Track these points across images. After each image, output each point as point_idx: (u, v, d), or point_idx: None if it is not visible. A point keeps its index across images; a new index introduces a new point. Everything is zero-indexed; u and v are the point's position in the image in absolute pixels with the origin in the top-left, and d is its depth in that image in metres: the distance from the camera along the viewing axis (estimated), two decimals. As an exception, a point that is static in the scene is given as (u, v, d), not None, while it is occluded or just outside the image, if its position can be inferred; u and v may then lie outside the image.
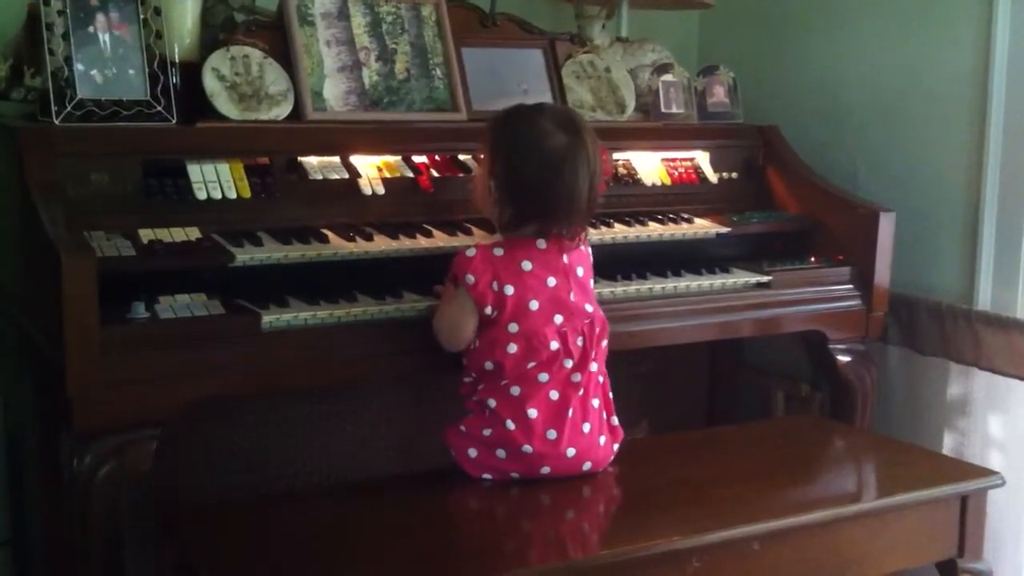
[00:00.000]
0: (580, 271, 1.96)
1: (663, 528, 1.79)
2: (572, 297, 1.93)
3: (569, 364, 1.92)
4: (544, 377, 1.91)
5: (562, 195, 1.89)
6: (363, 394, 2.34)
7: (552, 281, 1.92)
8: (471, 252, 1.91)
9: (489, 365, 1.91)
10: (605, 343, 1.99)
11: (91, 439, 1.75)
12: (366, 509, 1.85)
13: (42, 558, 2.16)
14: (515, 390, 1.91)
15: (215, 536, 1.77)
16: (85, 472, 1.74)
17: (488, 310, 1.89)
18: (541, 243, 1.93)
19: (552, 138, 1.89)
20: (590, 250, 2.04)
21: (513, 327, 1.89)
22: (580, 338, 1.93)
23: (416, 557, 1.69)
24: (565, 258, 1.94)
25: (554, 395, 1.92)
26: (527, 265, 1.91)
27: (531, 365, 1.90)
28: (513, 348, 1.89)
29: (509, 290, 1.89)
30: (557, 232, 1.92)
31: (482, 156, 1.99)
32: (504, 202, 1.92)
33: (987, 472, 2.12)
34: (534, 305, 1.90)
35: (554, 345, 1.90)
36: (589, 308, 1.96)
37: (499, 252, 1.91)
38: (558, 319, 1.91)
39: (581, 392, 1.94)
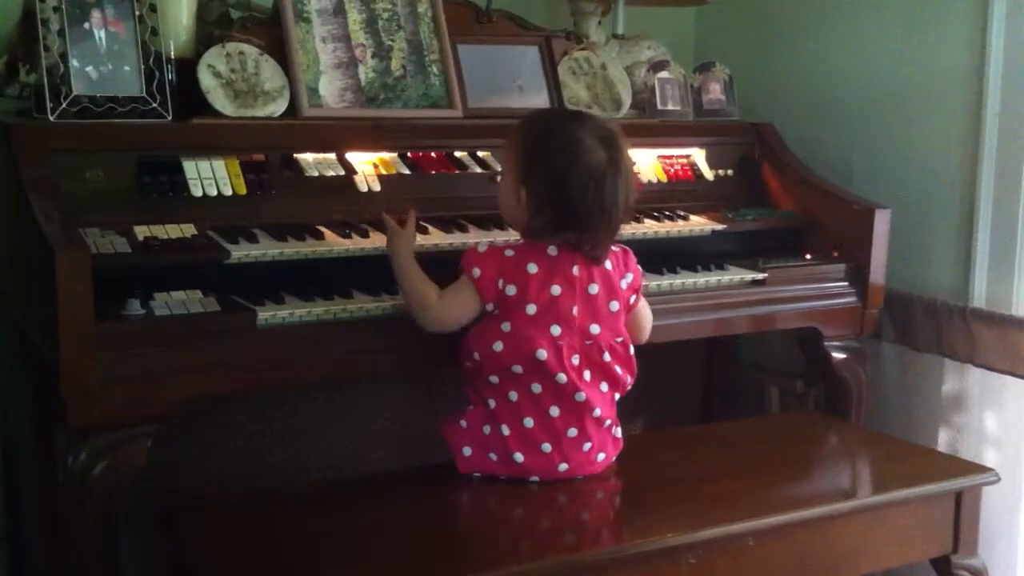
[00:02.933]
0: (594, 288, 1.91)
1: (658, 524, 1.79)
2: (575, 312, 1.89)
3: (563, 380, 1.88)
4: (537, 388, 1.89)
5: (601, 211, 1.87)
6: (359, 391, 2.34)
7: (556, 290, 1.88)
8: (482, 247, 1.91)
9: (476, 356, 1.91)
10: (620, 370, 1.95)
11: (86, 436, 1.75)
12: (363, 505, 1.86)
13: (38, 556, 2.16)
14: (513, 395, 1.90)
15: (211, 533, 1.77)
16: (80, 469, 1.74)
17: (490, 306, 1.89)
18: (552, 250, 1.90)
19: (594, 154, 1.87)
20: (628, 276, 1.97)
21: (505, 326, 1.88)
22: (576, 356, 1.90)
23: (414, 553, 1.70)
24: (575, 270, 1.90)
25: (554, 411, 1.90)
26: (532, 268, 1.89)
27: (517, 369, 1.88)
28: (499, 346, 1.88)
29: (511, 290, 1.88)
30: (587, 246, 1.89)
31: (508, 163, 1.95)
32: (538, 212, 1.89)
33: (982, 468, 2.13)
34: (531, 309, 1.87)
35: (542, 354, 1.86)
36: (595, 329, 1.91)
37: (510, 253, 1.90)
38: (555, 330, 1.88)
39: (596, 412, 1.92)
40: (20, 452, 2.25)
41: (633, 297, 2.00)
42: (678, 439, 2.25)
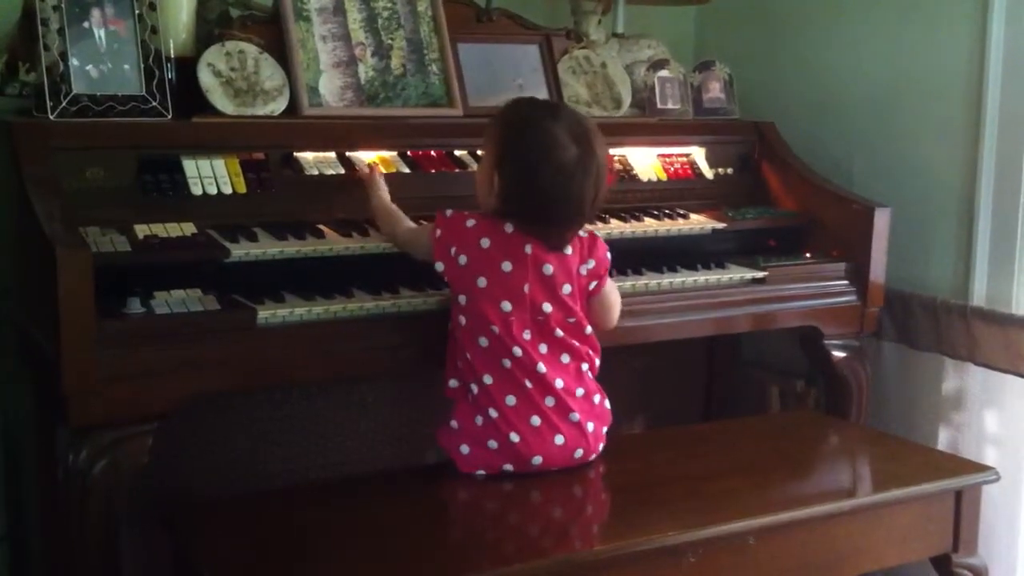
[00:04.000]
0: (548, 269, 1.93)
1: (659, 522, 1.79)
2: (526, 289, 1.92)
3: (518, 353, 1.91)
4: (507, 363, 1.92)
5: (568, 207, 1.91)
6: (359, 390, 2.34)
7: (507, 266, 1.92)
8: (448, 212, 1.96)
9: (453, 329, 1.96)
10: (578, 343, 1.97)
11: (87, 434, 1.75)
12: (362, 504, 1.86)
13: (39, 554, 2.16)
14: (487, 379, 1.92)
15: (211, 531, 1.77)
16: (81, 467, 1.74)
17: (439, 265, 1.94)
18: (508, 227, 1.93)
19: (565, 150, 1.90)
20: (590, 263, 1.98)
21: (462, 299, 1.93)
22: (527, 332, 1.93)
23: (413, 552, 1.70)
24: (528, 248, 1.92)
25: (528, 384, 1.93)
26: (485, 243, 1.92)
27: (483, 343, 1.91)
28: (463, 320, 1.93)
29: (463, 259, 1.92)
30: (547, 235, 1.92)
31: (487, 147, 1.99)
32: (507, 200, 1.93)
33: (982, 467, 2.13)
34: (482, 282, 1.91)
35: (495, 329, 1.90)
36: (547, 308, 1.94)
37: (471, 223, 1.94)
38: (506, 306, 1.91)
39: (559, 383, 1.94)
40: (21, 450, 2.25)
41: (593, 284, 2.01)
42: (679, 438, 2.25)
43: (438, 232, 1.95)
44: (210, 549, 1.72)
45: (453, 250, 1.93)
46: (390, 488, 1.94)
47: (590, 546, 1.76)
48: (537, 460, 1.93)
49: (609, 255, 2.03)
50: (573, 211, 1.92)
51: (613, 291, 2.07)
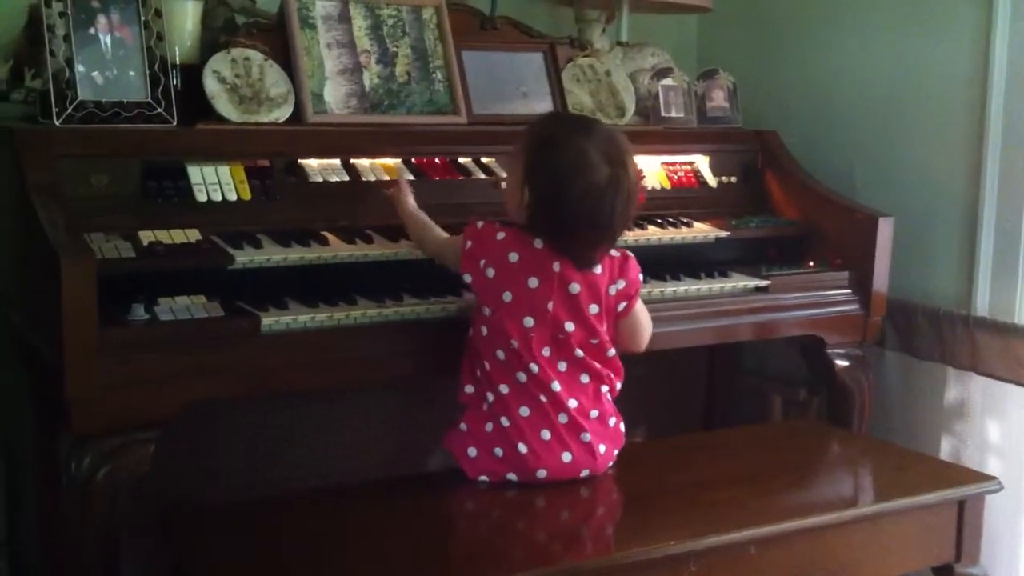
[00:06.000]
0: (575, 288, 1.92)
1: (660, 532, 1.79)
2: (549, 307, 1.91)
3: (535, 370, 1.90)
4: (523, 377, 1.91)
5: (597, 226, 1.89)
6: (362, 397, 2.34)
7: (533, 282, 1.91)
8: (480, 224, 1.95)
9: (473, 335, 1.95)
10: (599, 365, 1.95)
11: (89, 441, 1.75)
12: (365, 512, 1.85)
13: (39, 560, 2.16)
14: (503, 388, 1.92)
15: (213, 539, 1.77)
16: (83, 474, 1.74)
17: (466, 277, 1.93)
18: (538, 243, 1.92)
19: (596, 170, 1.87)
20: (620, 283, 1.96)
21: (486, 310, 1.92)
22: (547, 348, 1.92)
23: (414, 560, 1.69)
24: (556, 266, 1.91)
25: (543, 398, 1.92)
26: (513, 257, 1.91)
27: (500, 355, 1.91)
28: (484, 331, 1.92)
29: (490, 272, 1.91)
30: (575, 253, 1.91)
31: (518, 159, 1.96)
32: (537, 214, 1.91)
33: (984, 477, 2.13)
34: (507, 296, 1.90)
35: (513, 343, 1.89)
36: (569, 327, 1.92)
37: (501, 236, 1.93)
38: (527, 322, 1.90)
39: (572, 402, 1.93)
40: (21, 457, 2.25)
41: (623, 304, 1.99)
42: (680, 446, 2.25)
43: (468, 244, 1.93)
44: (210, 556, 1.72)
45: (482, 263, 1.92)
46: (391, 496, 1.94)
47: (591, 555, 1.76)
48: (542, 473, 1.93)
49: (641, 276, 2.01)
50: (602, 231, 1.90)
51: (643, 313, 2.06)
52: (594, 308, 1.94)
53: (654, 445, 2.41)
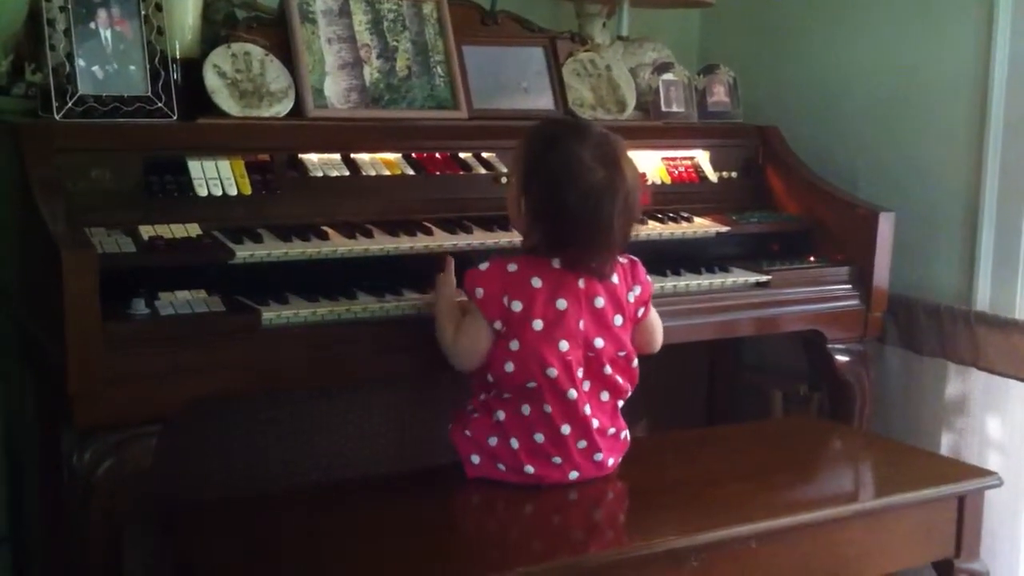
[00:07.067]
0: (600, 302, 1.89)
1: (661, 527, 1.79)
2: (581, 326, 1.88)
3: (573, 395, 1.88)
4: (548, 408, 1.87)
5: (598, 230, 1.85)
6: (363, 392, 2.34)
7: (562, 304, 1.86)
8: (483, 266, 1.88)
9: (490, 378, 1.90)
10: (621, 380, 1.94)
11: (91, 436, 1.75)
12: (365, 507, 1.85)
13: (41, 555, 2.16)
14: (526, 409, 1.88)
15: (214, 533, 1.77)
16: (85, 469, 1.74)
17: (497, 324, 1.87)
18: (556, 263, 1.88)
19: (591, 173, 1.84)
20: (636, 289, 1.95)
21: (514, 344, 1.86)
22: (580, 369, 1.89)
23: (415, 556, 1.70)
24: (580, 283, 1.88)
25: (565, 429, 1.88)
26: (536, 282, 1.86)
27: (531, 385, 1.87)
28: (510, 367, 1.86)
29: (517, 306, 1.86)
30: (585, 264, 1.88)
31: (516, 166, 1.93)
32: (534, 226, 1.89)
33: (984, 472, 2.13)
34: (538, 325, 1.85)
35: (552, 372, 1.85)
36: (599, 343, 1.90)
37: (512, 268, 1.88)
38: (563, 345, 1.86)
39: (595, 422, 1.91)
40: (23, 451, 2.25)
41: (641, 310, 1.98)
42: (681, 442, 2.25)
43: (479, 292, 1.86)
44: (211, 551, 1.72)
45: (506, 299, 1.85)
46: (392, 491, 1.94)
47: (592, 550, 1.76)
48: (544, 484, 1.92)
49: (649, 278, 2.00)
50: (603, 234, 1.86)
51: (656, 316, 2.05)
52: (619, 319, 1.92)
53: (655, 440, 2.41)
